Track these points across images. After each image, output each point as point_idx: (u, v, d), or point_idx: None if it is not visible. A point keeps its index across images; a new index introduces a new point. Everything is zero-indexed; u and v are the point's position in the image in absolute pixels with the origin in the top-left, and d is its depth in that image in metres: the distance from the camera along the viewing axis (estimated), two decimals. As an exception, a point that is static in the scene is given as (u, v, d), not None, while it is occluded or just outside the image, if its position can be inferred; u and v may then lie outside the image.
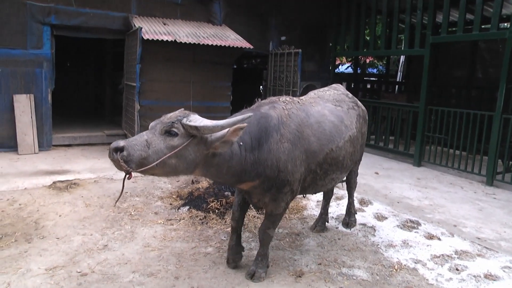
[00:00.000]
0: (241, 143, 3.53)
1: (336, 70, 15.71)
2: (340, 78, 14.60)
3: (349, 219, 5.62)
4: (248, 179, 3.70)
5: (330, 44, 13.21)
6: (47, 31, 9.33)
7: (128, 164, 3.01)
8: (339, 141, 4.26)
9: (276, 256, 4.62)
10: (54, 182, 6.98)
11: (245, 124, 3.26)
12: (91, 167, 8.14)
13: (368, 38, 12.65)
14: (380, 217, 6.05)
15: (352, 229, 5.57)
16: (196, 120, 3.18)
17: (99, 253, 4.61)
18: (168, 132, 3.13)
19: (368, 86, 16.24)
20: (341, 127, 4.36)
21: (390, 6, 10.72)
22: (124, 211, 5.83)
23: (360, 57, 16.52)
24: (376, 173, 8.83)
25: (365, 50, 12.00)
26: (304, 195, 5.50)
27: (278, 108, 3.92)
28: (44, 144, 9.50)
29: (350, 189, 5.59)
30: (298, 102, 4.24)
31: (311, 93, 4.93)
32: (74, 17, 9.52)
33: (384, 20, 10.99)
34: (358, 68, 16.14)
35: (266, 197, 3.87)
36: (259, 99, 4.22)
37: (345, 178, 5.40)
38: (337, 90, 5.03)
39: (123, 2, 10.03)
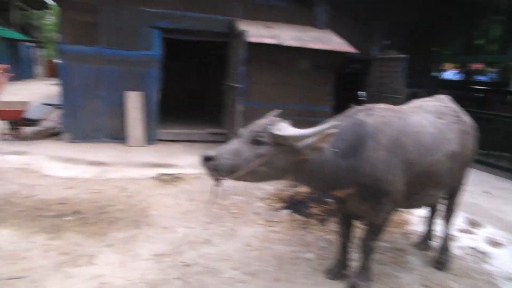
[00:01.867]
0: (334, 150, 3.51)
1: (441, 77, 14.84)
2: (446, 86, 13.79)
3: (443, 257, 4.79)
4: (342, 186, 3.66)
5: (436, 49, 12.58)
6: (157, 34, 10.02)
7: (218, 172, 3.17)
8: (438, 154, 3.99)
9: (378, 271, 4.49)
10: (159, 175, 7.44)
11: (335, 131, 3.22)
12: (193, 162, 8.41)
13: (479, 42, 11.71)
14: (494, 243, 5.52)
15: (460, 252, 5.14)
16: (283, 129, 3.21)
17: (201, 247, 4.84)
18: (256, 141, 3.21)
19: (478, 95, 15.10)
20: (441, 141, 4.08)
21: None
22: (226, 209, 6.04)
23: (468, 63, 15.33)
24: (487, 192, 8.00)
25: (475, 55, 11.05)
26: (401, 210, 5.31)
27: (374, 115, 3.81)
28: (150, 138, 10.16)
29: (449, 214, 4.86)
30: (397, 110, 4.10)
31: (413, 103, 4.70)
32: (182, 21, 10.08)
33: (502, 21, 10.03)
34: (466, 75, 15.04)
35: (364, 205, 3.80)
36: (355, 106, 4.17)
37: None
38: (441, 102, 4.69)
39: (229, 6, 10.39)
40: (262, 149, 3.21)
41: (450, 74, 21.48)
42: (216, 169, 3.17)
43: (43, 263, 4.21)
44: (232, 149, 3.23)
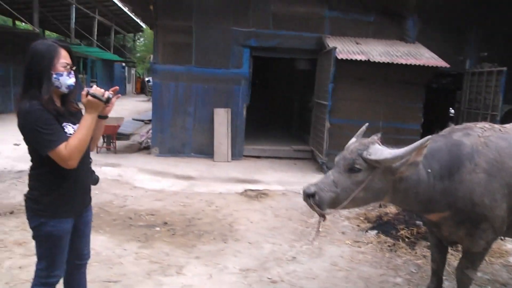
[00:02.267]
0: (429, 170, 3.30)
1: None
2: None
3: None
4: (437, 209, 3.42)
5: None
6: (246, 52, 10.27)
7: (321, 207, 3.12)
8: None
9: None
10: (245, 190, 7.52)
11: (429, 142, 3.05)
12: (279, 179, 8.54)
13: None
14: None
15: None
16: (376, 152, 3.09)
17: (287, 264, 4.73)
18: (352, 169, 3.13)
19: None
20: None
21: None
22: (312, 227, 5.91)
23: None
24: None
25: None
26: (503, 238, 4.87)
27: (472, 135, 3.52)
28: (236, 154, 10.34)
29: None
30: (499, 129, 3.72)
31: None
32: (271, 39, 10.26)
33: None
34: None
35: (460, 231, 3.49)
36: (452, 124, 3.88)
37: None
38: None
39: (317, 23, 10.41)
40: (359, 176, 3.13)
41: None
42: (319, 205, 3.13)
43: (135, 270, 4.33)
44: (330, 181, 3.18)
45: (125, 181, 7.76)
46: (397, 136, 9.49)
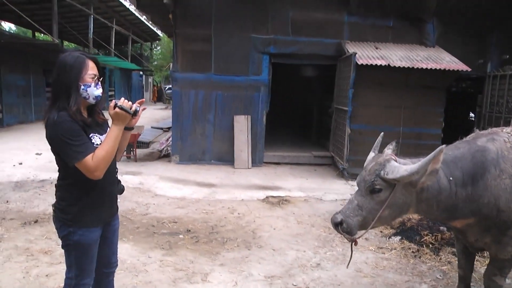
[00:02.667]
0: (450, 178, 3.25)
1: None
2: None
3: None
4: (461, 216, 3.35)
5: None
6: (266, 59, 10.28)
7: (350, 233, 3.17)
8: None
9: None
10: (267, 197, 7.50)
11: (443, 146, 3.02)
12: (300, 185, 8.51)
13: None
14: None
15: None
16: (393, 170, 3.07)
17: (312, 270, 4.70)
18: (373, 190, 3.14)
19: None
20: None
21: None
22: (335, 233, 5.84)
23: None
24: None
25: None
26: None
27: (498, 140, 3.46)
28: (256, 161, 10.34)
29: None
30: None
31: None
32: (290, 46, 10.25)
33: None
34: None
35: (486, 237, 3.44)
36: (476, 129, 3.82)
37: None
38: None
39: (337, 28, 10.36)
40: (381, 196, 3.15)
41: None
42: (348, 231, 3.19)
43: (160, 278, 4.35)
44: (354, 206, 3.23)
45: (146, 189, 7.80)
46: (418, 141, 9.43)
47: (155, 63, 40.92)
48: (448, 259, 5.05)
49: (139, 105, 2.73)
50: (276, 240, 5.56)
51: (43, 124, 2.58)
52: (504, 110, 10.05)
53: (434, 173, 3.04)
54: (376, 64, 8.71)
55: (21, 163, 9.37)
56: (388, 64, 8.73)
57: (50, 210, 2.93)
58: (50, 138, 2.53)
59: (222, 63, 10.15)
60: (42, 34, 25.81)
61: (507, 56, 10.89)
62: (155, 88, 41.36)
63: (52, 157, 2.66)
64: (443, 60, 9.30)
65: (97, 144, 2.61)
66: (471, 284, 4.06)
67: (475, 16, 10.64)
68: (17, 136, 13.65)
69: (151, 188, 7.84)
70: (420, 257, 5.17)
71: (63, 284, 3.88)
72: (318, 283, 4.42)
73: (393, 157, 3.21)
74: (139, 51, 37.62)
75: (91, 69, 2.62)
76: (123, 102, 2.60)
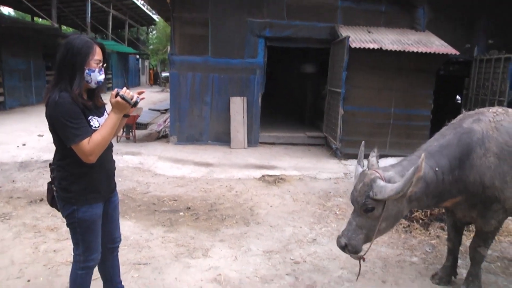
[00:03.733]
0: (436, 169, 3.46)
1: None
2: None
3: None
4: (449, 197, 3.58)
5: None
6: (261, 42, 10.44)
7: (357, 252, 3.42)
8: None
9: (487, 280, 4.28)
10: (263, 176, 7.73)
11: (423, 156, 3.14)
12: (295, 165, 8.74)
13: None
14: None
15: None
16: (380, 191, 3.24)
17: (308, 245, 4.93)
18: (366, 210, 3.33)
19: None
20: None
21: None
22: (329, 210, 6.12)
23: None
24: None
25: None
26: None
27: (483, 120, 3.65)
28: (252, 141, 10.58)
29: None
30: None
31: None
32: (285, 29, 10.40)
33: None
34: None
35: (473, 212, 3.68)
36: (464, 110, 4.00)
37: None
38: None
39: (330, 13, 10.50)
40: (375, 213, 3.34)
41: None
42: (354, 251, 3.42)
43: (163, 253, 4.54)
44: (354, 227, 3.44)
45: (146, 168, 7.99)
46: (408, 122, 9.67)
47: (151, 47, 40.76)
48: (437, 234, 5.29)
49: (138, 95, 2.78)
50: (273, 217, 5.78)
51: (44, 102, 2.65)
52: (489, 93, 10.37)
53: (419, 180, 3.20)
54: (368, 48, 8.86)
55: (24, 144, 9.54)
56: (380, 48, 8.89)
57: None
58: (50, 118, 2.60)
59: (219, 46, 10.28)
60: (40, 19, 25.66)
61: (493, 41, 11.15)
62: (151, 71, 41.33)
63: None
64: (433, 44, 9.48)
65: (95, 127, 2.68)
66: (459, 256, 4.32)
67: (464, 2, 10.93)
68: (20, 118, 13.78)
69: (150, 168, 8.03)
70: (410, 232, 5.40)
71: (70, 259, 4.16)
72: (314, 257, 4.63)
73: (378, 173, 3.35)
74: (135, 35, 37.58)
75: (98, 55, 2.70)
76: (124, 92, 2.67)
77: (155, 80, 40.10)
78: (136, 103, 2.74)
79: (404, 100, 9.74)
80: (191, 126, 10.51)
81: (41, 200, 5.99)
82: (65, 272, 3.95)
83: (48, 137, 9.83)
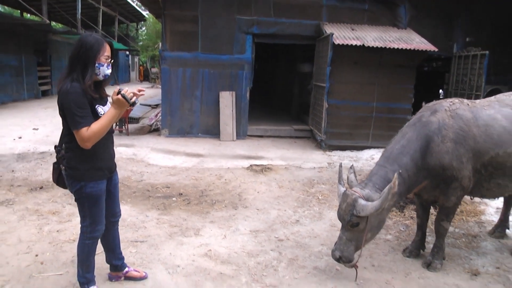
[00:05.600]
0: (400, 171, 3.90)
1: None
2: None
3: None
4: (416, 185, 4.09)
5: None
6: (249, 39, 10.85)
7: (350, 261, 3.89)
8: (509, 147, 4.07)
9: (452, 253, 4.71)
10: (251, 165, 8.15)
11: (397, 174, 3.67)
12: (281, 155, 9.17)
13: None
14: None
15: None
16: (362, 209, 3.70)
17: (292, 226, 5.34)
18: (353, 225, 3.80)
19: None
20: None
21: None
22: (312, 195, 6.54)
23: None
24: None
25: None
26: (472, 197, 5.45)
27: (440, 110, 4.13)
28: (241, 134, 11.02)
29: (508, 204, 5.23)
30: (468, 104, 4.29)
31: (492, 97, 4.70)
32: (272, 26, 10.82)
33: None
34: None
35: (436, 191, 4.17)
36: (424, 103, 4.47)
37: None
38: None
39: (316, 11, 10.93)
40: (360, 227, 3.81)
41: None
42: (348, 261, 3.89)
43: (158, 232, 4.92)
44: (345, 241, 3.90)
45: (139, 159, 8.36)
46: (390, 115, 10.11)
47: (141, 43, 40.89)
48: (411, 215, 5.71)
49: (136, 97, 3.13)
50: (260, 201, 6.18)
51: (57, 89, 3.03)
52: (467, 87, 10.86)
53: (395, 195, 3.74)
54: (351, 44, 9.30)
55: (20, 137, 9.83)
56: (363, 44, 9.33)
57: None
58: (61, 104, 2.94)
59: (209, 42, 10.67)
60: (29, 15, 25.70)
61: (471, 39, 11.68)
62: (141, 67, 41.45)
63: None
64: (413, 41, 9.93)
65: (101, 114, 3.06)
66: (427, 233, 4.81)
67: (444, 0, 11.34)
68: (13, 113, 14.05)
69: (144, 159, 8.40)
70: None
71: (73, 238, 4.56)
72: (297, 235, 5.04)
73: (357, 193, 3.81)
74: (125, 31, 37.58)
75: (107, 51, 3.10)
76: (126, 91, 3.05)
77: (145, 76, 40.26)
78: (134, 104, 3.11)
79: (386, 94, 10.18)
80: (182, 119, 10.89)
81: (41, 187, 6.33)
82: (69, 248, 4.32)
83: (43, 131, 10.34)
